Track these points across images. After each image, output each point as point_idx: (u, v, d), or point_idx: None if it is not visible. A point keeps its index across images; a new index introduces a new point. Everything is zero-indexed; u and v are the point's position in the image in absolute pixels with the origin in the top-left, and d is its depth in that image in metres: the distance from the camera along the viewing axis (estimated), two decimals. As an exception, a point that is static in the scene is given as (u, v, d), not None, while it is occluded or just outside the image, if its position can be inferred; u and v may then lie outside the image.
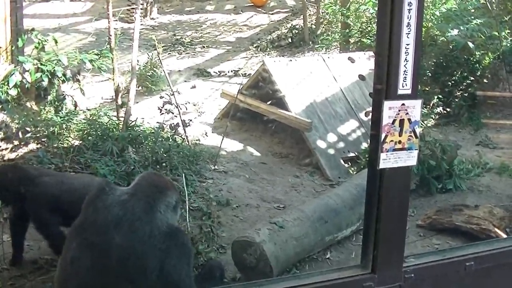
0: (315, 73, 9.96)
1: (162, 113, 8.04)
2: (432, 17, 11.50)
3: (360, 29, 13.17)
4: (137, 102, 9.82)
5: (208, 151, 8.47)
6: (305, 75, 9.84)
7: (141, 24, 13.34)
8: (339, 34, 13.78)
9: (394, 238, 3.90)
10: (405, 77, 3.68)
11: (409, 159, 3.79)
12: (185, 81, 12.78)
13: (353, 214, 6.37)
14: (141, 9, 10.64)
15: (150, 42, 13.35)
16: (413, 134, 3.79)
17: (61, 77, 7.53)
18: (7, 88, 7.19)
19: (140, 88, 11.16)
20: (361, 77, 10.40)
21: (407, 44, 3.61)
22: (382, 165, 3.71)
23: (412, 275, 3.97)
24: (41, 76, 7.31)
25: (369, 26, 12.91)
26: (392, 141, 3.74)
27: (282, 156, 9.26)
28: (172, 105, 8.16)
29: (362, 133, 9.44)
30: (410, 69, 3.67)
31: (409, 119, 3.75)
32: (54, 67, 7.43)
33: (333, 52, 13.61)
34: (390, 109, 3.70)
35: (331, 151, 8.93)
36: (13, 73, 7.27)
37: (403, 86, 3.69)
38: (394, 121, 3.71)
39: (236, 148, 9.32)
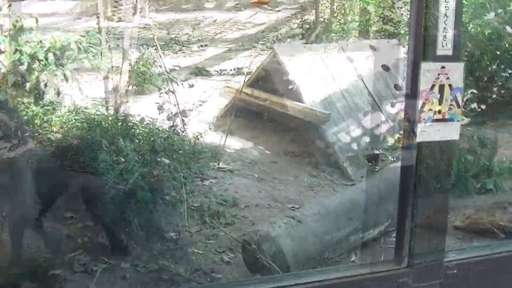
0: (332, 62, 9.86)
1: (160, 110, 7.99)
2: (465, 1, 11.40)
3: (382, 16, 13.09)
4: (128, 102, 9.80)
5: (210, 149, 8.44)
6: (321, 63, 9.74)
7: (132, 23, 13.48)
8: (358, 23, 13.72)
9: (433, 226, 3.77)
10: (445, 36, 3.53)
11: (451, 132, 3.65)
12: (182, 80, 12.77)
13: (381, 212, 6.24)
14: (132, 6, 10.71)
15: (141, 41, 13.43)
16: (455, 103, 3.64)
17: (42, 60, 7.41)
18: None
19: (132, 87, 11.21)
20: (385, 68, 10.30)
21: (446, -4, 3.48)
22: (420, 138, 3.56)
23: (455, 271, 3.83)
24: (19, 58, 7.20)
25: (392, 13, 12.84)
26: (431, 110, 3.58)
27: (296, 155, 9.24)
28: (170, 99, 8.15)
29: (387, 128, 9.32)
30: (450, 27, 3.52)
31: (450, 85, 3.59)
32: (34, 49, 7.32)
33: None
34: (428, 72, 3.54)
35: (353, 148, 8.84)
36: (-14, 56, 7.20)
37: (443, 46, 3.54)
38: (433, 86, 3.56)
39: (242, 146, 9.33)
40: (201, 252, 5.91)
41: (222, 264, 5.83)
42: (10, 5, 7.62)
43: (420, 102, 3.55)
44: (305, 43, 14.70)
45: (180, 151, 7.58)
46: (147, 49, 12.12)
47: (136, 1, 16.45)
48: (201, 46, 15.62)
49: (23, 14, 7.66)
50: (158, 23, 16.83)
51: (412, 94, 3.57)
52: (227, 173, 8.01)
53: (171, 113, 7.81)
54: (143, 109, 9.40)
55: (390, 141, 8.93)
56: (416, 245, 3.72)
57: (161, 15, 17.89)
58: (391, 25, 12.39)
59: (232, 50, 15.32)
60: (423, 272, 3.76)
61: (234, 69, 13.75)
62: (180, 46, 15.44)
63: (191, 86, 12.31)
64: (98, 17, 8.61)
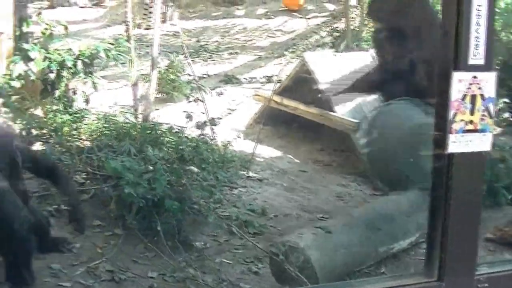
0: (363, 70, 9.79)
1: (189, 118, 7.96)
2: (497, 9, 11.28)
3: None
4: (158, 109, 9.89)
5: (240, 157, 8.45)
6: (352, 71, 9.68)
7: (161, 30, 13.57)
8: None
9: (465, 238, 3.71)
10: (476, 45, 3.48)
11: (483, 143, 3.60)
12: (211, 88, 12.80)
13: (411, 222, 6.18)
14: (160, 14, 10.80)
15: (170, 49, 13.51)
16: (487, 113, 3.59)
17: (71, 67, 7.43)
18: (8, 79, 7.09)
19: (161, 95, 11.29)
20: (415, 76, 10.20)
21: (479, 6, 3.42)
22: (451, 149, 3.51)
23: (486, 284, 3.77)
24: (48, 65, 7.21)
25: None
26: (462, 120, 3.53)
27: (325, 164, 9.23)
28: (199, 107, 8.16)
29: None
30: (483, 36, 3.47)
31: (481, 95, 3.54)
32: (63, 57, 7.34)
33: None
34: (460, 82, 3.49)
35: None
36: (17, 62, 7.17)
37: (474, 55, 3.49)
38: (464, 96, 3.51)
39: (271, 155, 9.31)
40: (229, 262, 5.89)
41: (250, 274, 5.81)
42: (40, 13, 7.67)
43: (451, 112, 3.51)
44: (335, 52, 14.67)
45: (209, 160, 7.55)
46: (177, 56, 12.18)
47: (166, 9, 16.63)
48: (231, 53, 15.72)
49: (53, 21, 7.68)
50: (187, 30, 16.91)
51: (443, 104, 3.52)
52: (256, 182, 8.01)
53: (200, 121, 7.79)
54: (172, 117, 9.42)
55: (421, 151, 8.85)
56: (447, 258, 3.65)
57: (191, 22, 17.96)
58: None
59: (262, 58, 15.40)
60: (454, 286, 3.69)
61: (264, 77, 13.76)
62: (210, 54, 15.54)
63: (220, 94, 12.33)
64: (127, 25, 8.71)
